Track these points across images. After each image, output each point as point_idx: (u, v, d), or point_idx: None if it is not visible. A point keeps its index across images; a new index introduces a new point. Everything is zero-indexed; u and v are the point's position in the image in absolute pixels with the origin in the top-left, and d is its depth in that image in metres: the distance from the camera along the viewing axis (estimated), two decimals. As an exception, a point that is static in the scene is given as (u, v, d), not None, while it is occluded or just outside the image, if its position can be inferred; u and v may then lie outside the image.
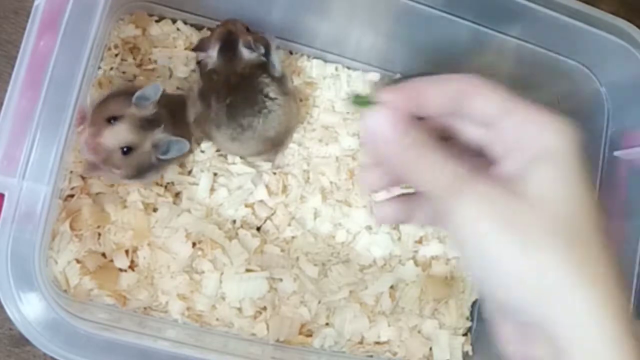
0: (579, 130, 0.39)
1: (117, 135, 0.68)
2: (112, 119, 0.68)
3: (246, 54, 0.76)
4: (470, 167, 0.39)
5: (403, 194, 0.46)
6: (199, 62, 0.80)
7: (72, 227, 0.76)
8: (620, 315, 0.37)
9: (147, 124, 0.70)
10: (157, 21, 0.84)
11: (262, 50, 0.77)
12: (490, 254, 0.38)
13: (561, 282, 0.37)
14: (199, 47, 0.79)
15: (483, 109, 0.40)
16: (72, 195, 0.77)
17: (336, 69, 0.90)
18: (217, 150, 0.83)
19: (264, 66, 0.78)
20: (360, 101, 0.42)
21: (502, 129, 0.40)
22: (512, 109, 0.40)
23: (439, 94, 0.41)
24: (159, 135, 0.71)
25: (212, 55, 0.77)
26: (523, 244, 0.37)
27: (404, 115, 0.40)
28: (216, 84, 0.76)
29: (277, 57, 0.79)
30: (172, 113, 0.74)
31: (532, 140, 0.39)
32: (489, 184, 0.38)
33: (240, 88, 0.76)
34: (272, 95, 0.77)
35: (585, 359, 0.37)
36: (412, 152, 0.40)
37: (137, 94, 0.69)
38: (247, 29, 0.78)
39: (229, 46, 0.76)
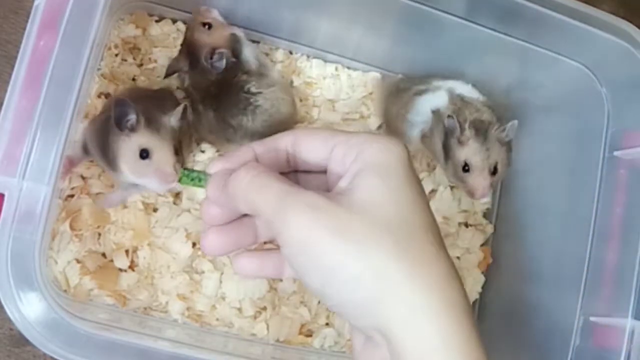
0: (404, 147, 0.43)
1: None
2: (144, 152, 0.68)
3: (216, 64, 0.76)
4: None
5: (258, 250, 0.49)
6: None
7: (72, 227, 0.76)
8: (454, 313, 0.39)
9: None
10: (157, 21, 0.84)
11: (227, 56, 0.76)
12: (325, 261, 0.39)
13: (395, 283, 0.39)
14: (170, 71, 0.78)
15: (312, 154, 0.45)
16: (72, 195, 0.77)
17: (336, 69, 0.90)
18: (217, 150, 0.83)
19: (237, 65, 0.78)
20: (191, 176, 0.51)
21: (333, 161, 0.44)
22: (335, 143, 0.44)
23: (270, 155, 0.46)
24: None
25: (184, 75, 0.78)
26: (353, 247, 0.39)
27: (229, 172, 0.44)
28: (199, 95, 0.77)
29: (250, 51, 0.79)
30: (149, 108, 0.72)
31: (356, 160, 0.42)
32: (315, 195, 0.40)
33: (222, 93, 0.76)
34: (253, 90, 0.77)
35: (416, 356, 0.39)
36: (245, 186, 0.42)
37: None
38: (209, 26, 0.77)
39: (196, 62, 0.76)
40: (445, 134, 0.76)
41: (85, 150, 0.74)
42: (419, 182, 0.43)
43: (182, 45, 0.79)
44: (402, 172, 0.42)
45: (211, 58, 0.75)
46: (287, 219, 0.40)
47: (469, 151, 0.75)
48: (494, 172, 0.76)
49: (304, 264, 0.41)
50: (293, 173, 0.48)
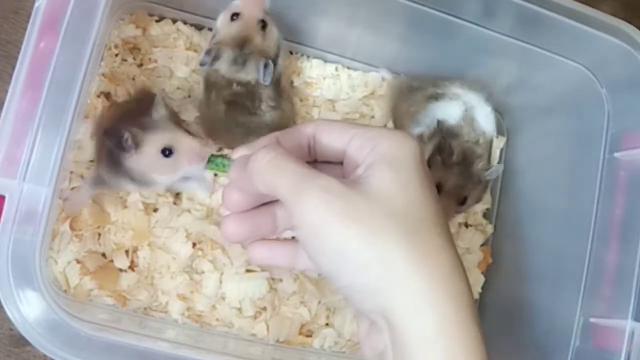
0: (416, 142, 0.44)
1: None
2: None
3: (267, 77, 0.73)
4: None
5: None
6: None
7: (72, 228, 0.76)
8: (456, 303, 0.41)
9: None
10: (157, 21, 0.84)
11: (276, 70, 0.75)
12: (335, 245, 0.41)
13: (400, 270, 0.40)
14: (212, 59, 0.74)
15: (331, 145, 0.47)
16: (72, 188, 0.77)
17: (336, 69, 0.90)
18: (219, 149, 0.83)
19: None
20: (216, 162, 0.56)
21: (349, 152, 0.46)
22: (353, 135, 0.46)
23: (293, 144, 0.48)
24: None
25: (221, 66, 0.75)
26: (364, 233, 0.41)
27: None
28: (215, 85, 0.76)
29: (282, 59, 0.79)
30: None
31: (371, 152, 0.44)
32: (331, 179, 0.42)
33: (241, 91, 0.75)
34: (269, 96, 0.76)
35: (416, 341, 0.40)
36: (264, 166, 0.44)
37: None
38: (264, 25, 0.74)
39: (242, 61, 0.74)
40: (436, 149, 0.77)
41: (100, 182, 0.74)
42: (429, 176, 0.45)
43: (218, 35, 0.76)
44: (413, 166, 0.43)
45: (265, 67, 0.73)
46: (302, 200, 0.41)
47: (447, 175, 0.76)
48: (462, 202, 0.78)
49: (315, 245, 0.42)
50: (313, 163, 0.49)
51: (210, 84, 0.76)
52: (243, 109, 0.76)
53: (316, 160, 0.49)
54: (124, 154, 0.66)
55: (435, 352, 0.40)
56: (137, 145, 0.66)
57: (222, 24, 0.74)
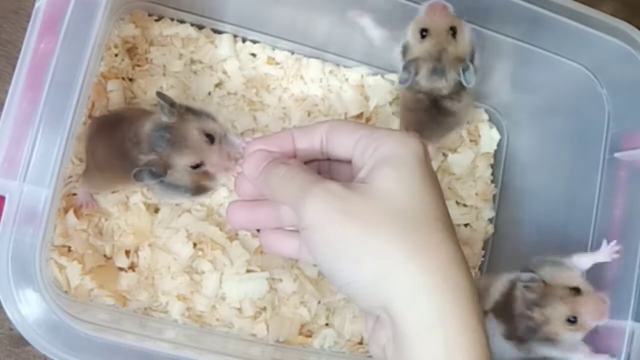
0: (419, 142, 0.45)
1: None
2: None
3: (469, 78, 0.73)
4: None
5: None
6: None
7: (72, 227, 0.76)
8: (455, 295, 0.41)
9: None
10: (156, 20, 0.84)
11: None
12: (334, 240, 0.42)
13: (397, 263, 0.41)
14: (408, 76, 0.74)
15: (340, 145, 0.48)
16: (73, 194, 0.77)
17: (331, 71, 0.90)
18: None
19: None
20: None
21: (356, 153, 0.47)
22: (360, 136, 0.47)
23: (306, 141, 0.49)
24: None
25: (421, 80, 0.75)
26: (362, 229, 0.42)
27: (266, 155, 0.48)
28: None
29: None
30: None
31: (374, 153, 0.45)
32: (333, 183, 0.43)
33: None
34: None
35: (415, 332, 0.41)
36: (267, 177, 0.47)
37: None
38: (454, 32, 0.73)
39: (441, 71, 0.74)
40: None
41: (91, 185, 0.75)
42: (433, 175, 0.46)
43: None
44: (415, 164, 0.44)
45: (464, 72, 0.73)
46: (306, 203, 0.43)
47: None
48: None
49: (317, 244, 0.43)
50: (326, 161, 0.51)
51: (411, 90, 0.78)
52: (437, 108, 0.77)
53: (329, 159, 0.51)
54: (161, 183, 0.66)
55: (434, 343, 0.41)
56: (165, 170, 0.65)
57: (414, 42, 0.74)
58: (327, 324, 0.84)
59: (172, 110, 0.65)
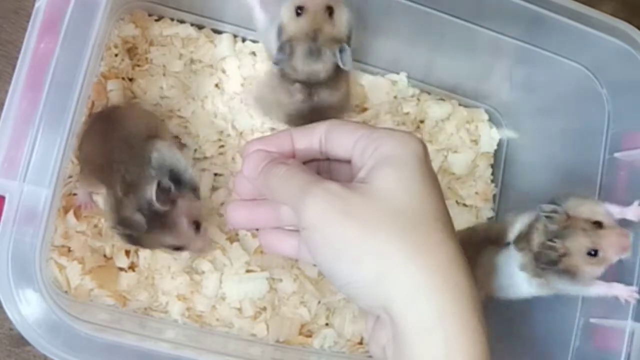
0: (419, 142, 0.45)
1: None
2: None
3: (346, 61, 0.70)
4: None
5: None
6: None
7: (72, 227, 0.76)
8: (455, 295, 0.41)
9: None
10: (156, 20, 0.84)
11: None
12: (334, 240, 0.43)
13: (396, 262, 0.41)
14: (285, 56, 0.71)
15: (340, 146, 0.48)
16: (74, 194, 0.77)
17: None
18: (222, 146, 0.83)
19: None
20: None
21: (356, 153, 0.47)
22: (359, 136, 0.47)
23: (306, 141, 0.49)
24: None
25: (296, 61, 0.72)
26: (362, 229, 0.42)
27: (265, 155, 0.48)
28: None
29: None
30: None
31: (374, 153, 0.45)
32: (332, 183, 0.44)
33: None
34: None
35: (415, 332, 0.41)
36: (267, 177, 0.47)
37: None
38: (331, 12, 0.70)
39: (317, 52, 0.70)
40: None
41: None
42: (433, 175, 0.46)
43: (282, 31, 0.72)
44: (415, 164, 0.44)
45: (341, 53, 0.70)
46: (306, 203, 0.43)
47: None
48: None
49: (318, 244, 0.43)
50: (325, 161, 0.51)
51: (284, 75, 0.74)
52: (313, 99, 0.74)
53: (328, 159, 0.51)
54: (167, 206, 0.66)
55: (434, 343, 0.41)
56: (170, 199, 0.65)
57: (289, 20, 0.71)
58: (327, 324, 0.84)
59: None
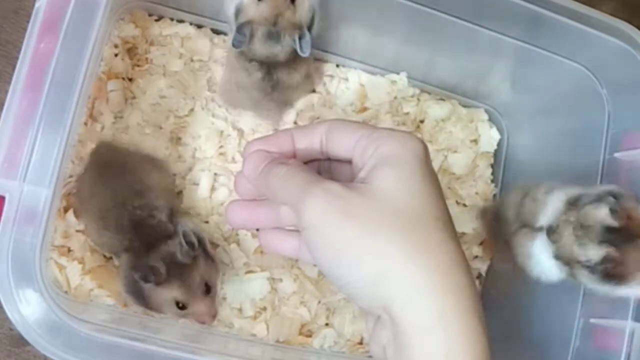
0: (419, 142, 0.46)
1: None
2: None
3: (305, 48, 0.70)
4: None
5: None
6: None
7: (72, 227, 0.76)
8: (456, 295, 0.42)
9: None
10: (156, 20, 0.84)
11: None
12: (334, 240, 0.43)
13: (396, 262, 0.42)
14: (243, 37, 0.70)
15: (340, 144, 0.48)
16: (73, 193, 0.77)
17: (331, 71, 0.90)
18: (222, 146, 0.83)
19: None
20: None
21: (356, 153, 0.47)
22: (360, 136, 0.47)
23: (306, 141, 0.50)
24: None
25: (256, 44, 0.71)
26: (362, 229, 0.42)
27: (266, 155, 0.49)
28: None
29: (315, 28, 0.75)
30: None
31: (374, 153, 0.45)
32: (333, 183, 0.44)
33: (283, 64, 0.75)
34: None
35: (416, 332, 0.41)
36: (267, 177, 0.47)
37: None
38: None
39: (276, 36, 0.70)
40: None
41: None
42: (433, 175, 0.46)
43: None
44: (416, 165, 0.44)
45: (300, 39, 0.70)
46: (306, 203, 0.43)
47: None
48: None
49: (318, 244, 0.44)
50: (326, 161, 0.51)
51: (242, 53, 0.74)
52: (284, 73, 0.75)
53: (329, 159, 0.51)
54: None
55: (434, 343, 0.41)
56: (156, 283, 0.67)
57: (249, 2, 0.70)
58: (327, 324, 0.84)
59: (190, 253, 0.67)
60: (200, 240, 0.69)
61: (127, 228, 0.68)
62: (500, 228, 0.77)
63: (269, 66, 0.73)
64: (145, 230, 0.69)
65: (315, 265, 0.81)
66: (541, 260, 0.69)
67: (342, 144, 0.48)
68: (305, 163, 0.50)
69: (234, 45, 0.70)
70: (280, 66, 0.74)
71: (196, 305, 0.69)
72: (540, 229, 0.68)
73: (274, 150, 0.50)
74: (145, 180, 0.71)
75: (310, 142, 0.50)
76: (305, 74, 0.77)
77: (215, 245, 0.80)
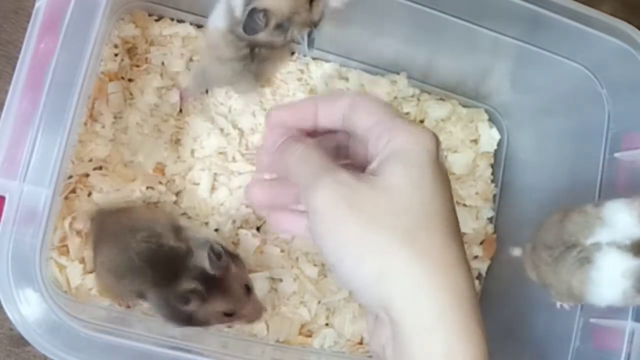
0: (432, 136, 0.44)
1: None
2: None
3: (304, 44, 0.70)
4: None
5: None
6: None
7: (72, 227, 0.76)
8: (456, 296, 0.41)
9: None
10: (156, 20, 0.84)
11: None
12: (339, 232, 0.42)
13: (398, 261, 0.41)
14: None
15: (358, 123, 0.47)
16: (73, 192, 0.77)
17: (331, 71, 0.90)
18: (222, 146, 0.83)
19: None
20: None
21: (371, 139, 0.46)
22: (376, 120, 0.46)
23: (328, 111, 0.49)
24: None
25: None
26: (367, 223, 0.41)
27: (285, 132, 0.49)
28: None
29: None
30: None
31: (387, 145, 0.44)
32: (345, 173, 0.43)
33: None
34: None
35: (416, 332, 0.41)
36: (284, 154, 0.47)
37: None
38: None
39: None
40: None
41: None
42: (443, 172, 0.45)
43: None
44: (426, 161, 0.44)
45: (308, 36, 0.69)
46: (316, 188, 0.43)
47: None
48: None
49: (322, 231, 0.43)
50: (347, 136, 0.50)
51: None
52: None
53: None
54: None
55: (434, 343, 0.41)
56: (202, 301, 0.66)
57: None
58: (327, 324, 0.84)
59: (219, 265, 0.66)
60: (223, 247, 0.68)
61: (141, 267, 0.67)
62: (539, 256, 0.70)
63: (254, 45, 0.72)
64: (161, 261, 0.67)
65: (316, 266, 0.81)
66: (608, 280, 0.61)
67: (359, 124, 0.47)
68: (327, 133, 0.50)
69: (245, 31, 0.68)
70: (263, 45, 0.73)
71: (244, 310, 0.68)
72: (597, 246, 0.61)
73: (297, 117, 0.49)
74: (141, 219, 0.70)
75: (332, 113, 0.49)
76: (282, 50, 0.76)
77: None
